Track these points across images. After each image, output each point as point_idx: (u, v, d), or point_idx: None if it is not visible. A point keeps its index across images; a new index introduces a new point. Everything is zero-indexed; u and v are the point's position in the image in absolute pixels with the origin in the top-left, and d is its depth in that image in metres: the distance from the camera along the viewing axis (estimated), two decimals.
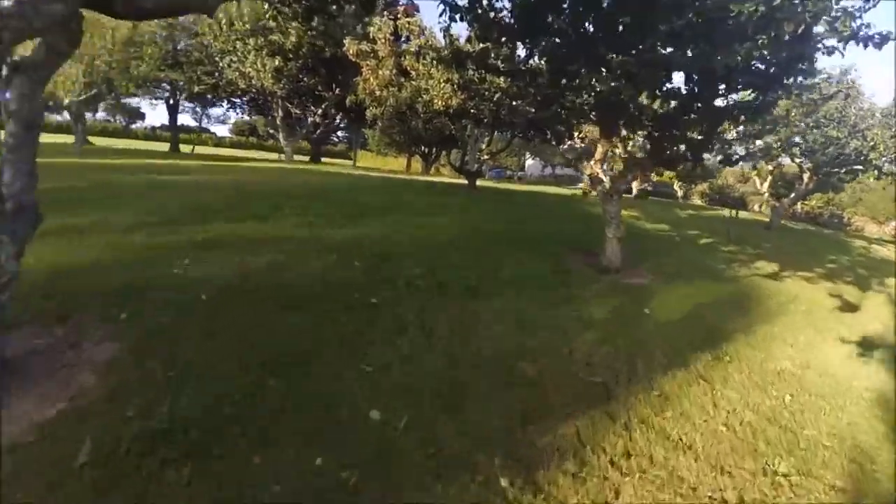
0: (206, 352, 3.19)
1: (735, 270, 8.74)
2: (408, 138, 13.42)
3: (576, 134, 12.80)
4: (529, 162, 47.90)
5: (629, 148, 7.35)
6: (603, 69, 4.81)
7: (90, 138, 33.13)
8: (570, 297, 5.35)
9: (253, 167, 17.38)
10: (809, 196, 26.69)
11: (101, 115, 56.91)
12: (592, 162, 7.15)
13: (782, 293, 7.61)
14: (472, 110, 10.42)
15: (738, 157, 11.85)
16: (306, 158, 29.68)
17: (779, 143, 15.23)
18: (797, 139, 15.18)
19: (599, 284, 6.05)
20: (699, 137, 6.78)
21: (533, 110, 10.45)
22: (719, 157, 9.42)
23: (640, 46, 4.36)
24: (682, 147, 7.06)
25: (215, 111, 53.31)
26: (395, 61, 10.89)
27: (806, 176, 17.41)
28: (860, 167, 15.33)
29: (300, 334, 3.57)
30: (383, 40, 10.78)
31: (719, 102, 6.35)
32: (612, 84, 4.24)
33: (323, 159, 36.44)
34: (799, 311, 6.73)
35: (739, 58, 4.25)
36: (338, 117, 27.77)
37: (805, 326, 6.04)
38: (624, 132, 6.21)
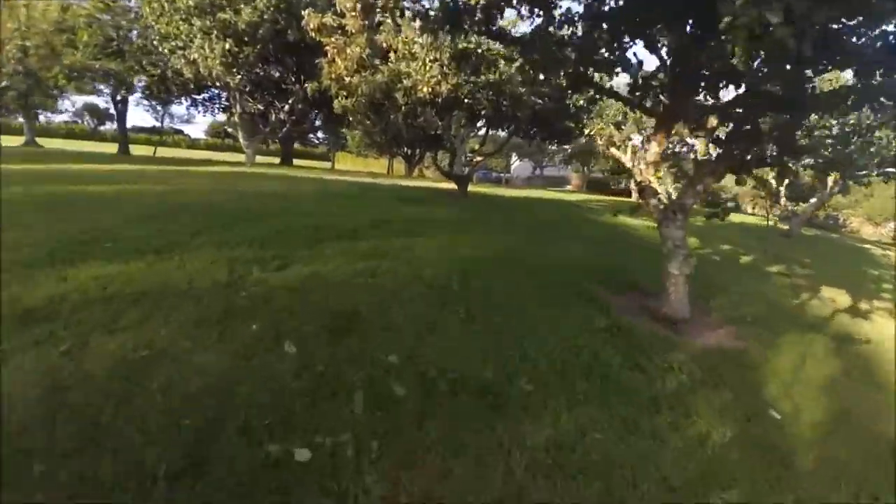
0: None
1: (811, 307, 6.78)
2: (386, 137, 11.13)
3: (586, 131, 10.74)
4: (517, 163, 46.11)
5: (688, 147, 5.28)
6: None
7: (43, 140, 30.00)
8: (654, 394, 3.20)
9: (207, 171, 14.88)
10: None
11: (66, 116, 53.14)
12: (643, 166, 5.05)
13: (883, 341, 5.69)
14: (465, 99, 8.27)
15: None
16: (276, 161, 27.19)
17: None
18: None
19: (678, 353, 3.92)
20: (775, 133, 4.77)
21: (541, 101, 8.34)
22: (811, 161, 7.25)
23: None
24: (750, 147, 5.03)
25: (179, 110, 50.02)
26: (367, 38, 8.66)
27: (831, 179, 15.79)
28: (894, 170, 13.74)
29: None
30: (352, 11, 8.52)
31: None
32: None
33: (298, 162, 33.95)
34: None
35: None
36: (313, 114, 25.42)
37: None
38: (714, 122, 4.10)
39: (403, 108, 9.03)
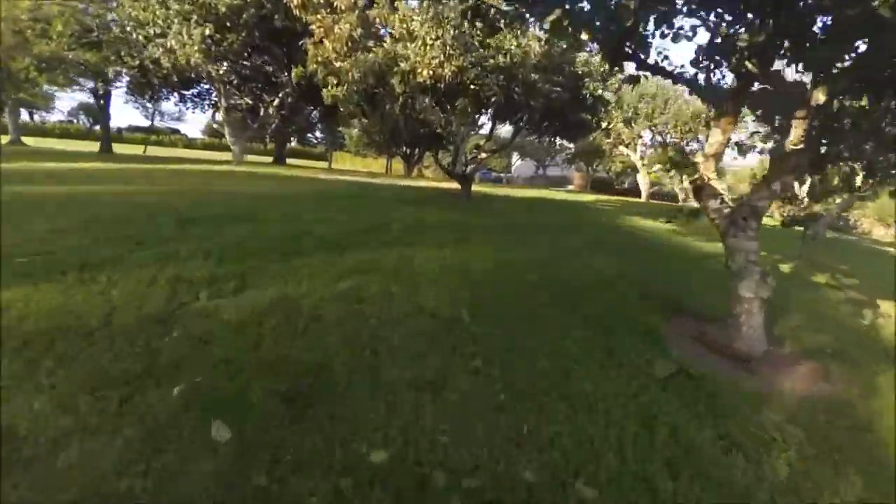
0: None
1: (881, 329, 5.74)
2: (382, 132, 10.08)
3: (604, 125, 9.70)
4: (518, 163, 45.16)
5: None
6: None
7: (38, 140, 29.00)
8: (766, 487, 2.16)
9: (186, 170, 13.83)
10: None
11: (61, 116, 52.11)
12: (702, 159, 4.02)
13: None
14: (471, 85, 7.23)
15: None
16: (269, 160, 26.07)
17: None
18: None
19: (770, 412, 2.88)
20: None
21: (558, 89, 7.29)
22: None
23: None
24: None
25: (171, 108, 48.85)
26: (358, 15, 7.57)
27: (859, 179, 14.77)
28: None
29: None
30: None
31: None
32: None
33: (295, 162, 32.91)
34: None
35: None
36: (308, 111, 24.36)
37: None
38: (821, 97, 3.04)
39: (400, 97, 7.97)
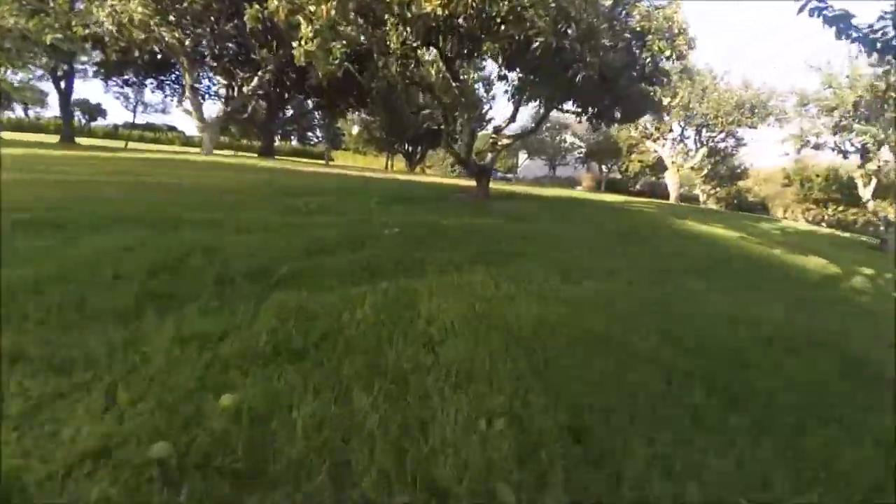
0: None
1: None
2: (385, 126, 7.70)
3: (666, 100, 7.35)
4: (526, 162, 42.82)
5: None
6: None
7: (33, 136, 26.87)
8: None
9: (124, 157, 11.56)
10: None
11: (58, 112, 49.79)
12: None
13: None
14: (502, 25, 4.88)
15: None
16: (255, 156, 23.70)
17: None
18: None
19: None
20: None
21: (629, 36, 4.92)
22: None
23: None
24: None
25: (155, 100, 46.14)
26: None
27: None
28: None
29: None
30: None
31: None
32: None
33: (292, 159, 30.69)
34: None
35: None
36: (300, 98, 22.10)
37: None
38: None
39: (398, 47, 5.56)
